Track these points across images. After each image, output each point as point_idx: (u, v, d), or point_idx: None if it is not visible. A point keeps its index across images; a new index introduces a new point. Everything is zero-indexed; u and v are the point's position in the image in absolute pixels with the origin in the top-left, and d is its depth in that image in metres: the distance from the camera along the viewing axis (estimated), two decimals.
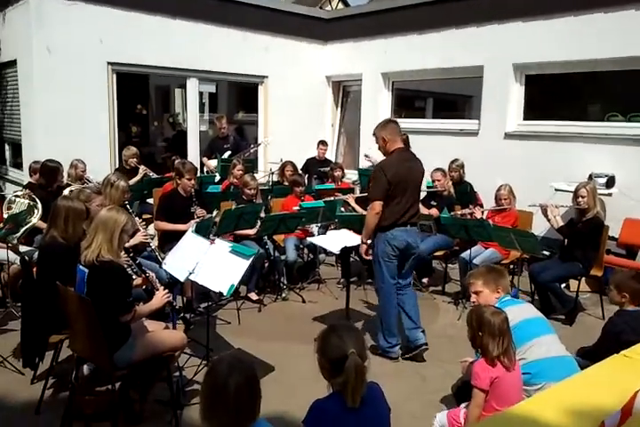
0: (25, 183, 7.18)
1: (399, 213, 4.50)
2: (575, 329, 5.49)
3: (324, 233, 6.25)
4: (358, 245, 5.20)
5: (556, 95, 8.34)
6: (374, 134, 4.72)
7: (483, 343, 2.99)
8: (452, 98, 10.41)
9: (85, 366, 3.86)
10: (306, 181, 8.35)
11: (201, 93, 10.04)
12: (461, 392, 3.50)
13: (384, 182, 4.42)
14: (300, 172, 8.69)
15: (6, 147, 9.87)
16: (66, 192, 5.88)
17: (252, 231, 5.93)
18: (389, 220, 4.51)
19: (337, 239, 5.22)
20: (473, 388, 2.99)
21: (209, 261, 3.93)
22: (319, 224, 6.56)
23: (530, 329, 3.44)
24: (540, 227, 6.88)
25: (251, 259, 3.86)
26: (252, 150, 9.05)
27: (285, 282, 6.41)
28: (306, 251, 7.06)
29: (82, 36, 7.95)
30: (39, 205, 5.40)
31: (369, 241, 4.69)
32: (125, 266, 3.71)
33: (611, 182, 6.88)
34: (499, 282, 3.58)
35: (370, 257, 4.78)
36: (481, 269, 3.85)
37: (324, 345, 2.33)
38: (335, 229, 6.48)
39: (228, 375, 1.98)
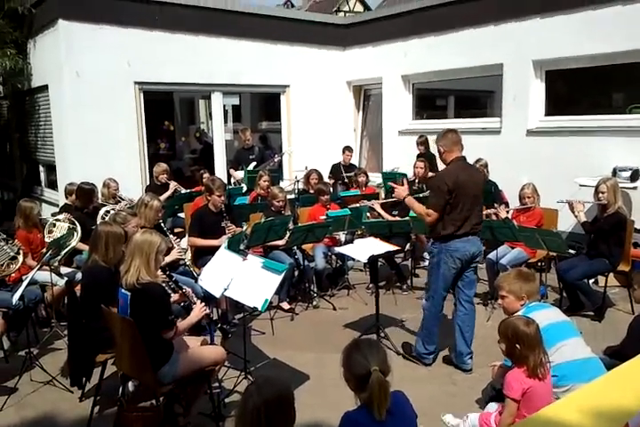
0: (60, 204, 7.46)
1: (460, 221, 4.44)
2: (605, 325, 5.54)
3: (352, 240, 6.37)
4: (386, 253, 5.35)
5: (576, 89, 8.34)
6: (436, 139, 4.75)
7: (522, 355, 3.06)
8: (474, 94, 10.44)
9: (131, 383, 4.08)
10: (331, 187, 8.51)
11: (224, 105, 10.27)
12: (493, 400, 3.60)
13: (444, 192, 4.38)
14: (327, 178, 8.85)
15: (41, 168, 10.25)
16: (101, 213, 6.16)
17: (281, 242, 6.09)
18: (449, 229, 4.44)
19: (364, 248, 5.32)
20: (505, 397, 3.09)
21: (242, 278, 4.08)
22: (346, 232, 6.70)
23: (556, 333, 3.51)
24: (566, 223, 6.93)
25: (282, 274, 4.01)
26: (276, 160, 9.22)
27: (316, 290, 6.57)
28: (334, 258, 7.20)
29: (109, 58, 8.28)
30: (78, 228, 5.66)
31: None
32: (163, 284, 3.89)
33: (635, 175, 6.86)
34: (524, 289, 3.65)
35: (400, 193, 4.82)
36: (510, 274, 3.88)
37: (349, 361, 2.46)
38: (362, 235, 6.61)
39: (249, 396, 2.14)
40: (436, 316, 4.69)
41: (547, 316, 3.60)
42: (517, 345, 3.07)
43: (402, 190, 4.85)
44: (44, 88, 8.99)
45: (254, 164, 8.90)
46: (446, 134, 4.61)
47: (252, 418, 2.09)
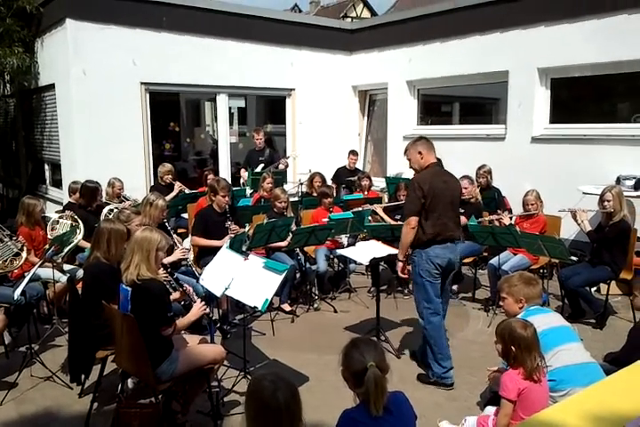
0: (64, 202, 7.49)
1: (438, 226, 4.38)
2: (606, 333, 5.53)
3: (354, 243, 6.38)
4: (387, 255, 5.35)
5: (581, 98, 8.36)
6: (406, 151, 4.64)
7: (518, 358, 3.07)
8: (479, 101, 10.45)
9: (130, 380, 4.09)
10: (334, 190, 8.51)
11: (230, 107, 10.30)
12: (491, 402, 3.60)
13: (419, 196, 4.33)
14: (331, 181, 8.85)
15: (46, 167, 10.27)
16: (105, 211, 6.18)
17: (283, 244, 6.10)
18: (429, 235, 4.38)
19: (366, 250, 5.34)
20: (501, 398, 3.10)
21: (243, 277, 4.10)
22: (348, 235, 6.71)
23: (554, 337, 3.50)
24: (569, 231, 6.92)
25: (283, 274, 4.02)
26: (283, 163, 9.18)
27: (317, 292, 6.57)
28: (336, 261, 7.20)
29: (115, 58, 8.30)
30: (81, 226, 5.68)
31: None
32: (164, 282, 3.90)
33: (639, 184, 6.86)
34: (522, 292, 3.65)
35: (406, 276, 4.70)
36: (512, 277, 3.86)
37: (346, 359, 2.50)
38: (364, 239, 6.62)
39: (276, 391, 2.11)
40: (439, 326, 4.52)
41: (546, 320, 3.59)
42: (513, 347, 3.09)
43: (400, 267, 4.66)
44: (51, 87, 9.02)
45: (262, 165, 8.91)
46: (421, 139, 4.59)
47: (288, 410, 2.09)
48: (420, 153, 4.51)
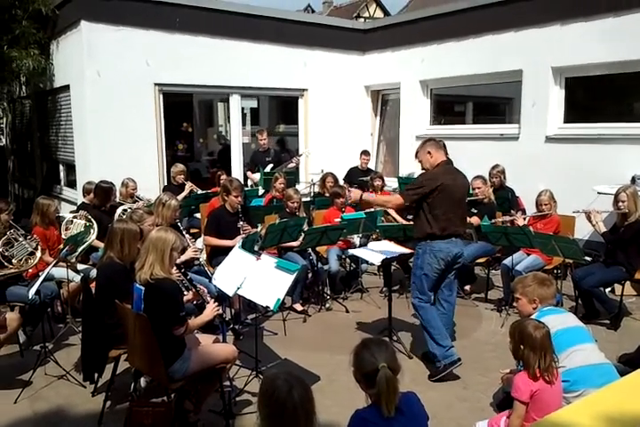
0: (79, 202, 7.54)
1: (445, 222, 4.56)
2: (620, 334, 5.47)
3: (366, 243, 6.37)
4: (400, 255, 5.35)
5: (596, 97, 8.29)
6: (417, 153, 4.87)
7: (524, 357, 3.08)
8: (492, 100, 10.40)
9: (142, 379, 4.11)
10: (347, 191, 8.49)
11: (243, 108, 10.33)
12: (503, 403, 3.59)
13: (423, 190, 4.54)
14: (343, 181, 8.85)
15: (61, 167, 10.36)
16: (119, 211, 6.22)
17: (295, 243, 6.11)
18: (434, 229, 4.57)
19: (378, 251, 5.31)
20: (514, 399, 3.08)
21: (255, 277, 4.11)
22: (360, 235, 6.70)
23: (569, 337, 3.48)
24: (583, 231, 6.86)
25: (295, 274, 4.02)
26: (294, 161, 9.19)
27: (329, 292, 6.56)
28: (348, 261, 7.20)
29: (129, 59, 8.37)
30: (95, 226, 5.72)
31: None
32: (177, 282, 3.92)
33: None
34: (536, 293, 3.64)
35: (357, 197, 4.96)
36: (526, 277, 3.86)
37: (358, 360, 2.49)
38: (377, 239, 6.61)
39: (290, 389, 2.11)
40: (431, 309, 4.73)
41: (560, 321, 3.57)
42: (521, 346, 3.10)
43: (355, 193, 5.02)
44: (66, 88, 9.11)
45: (271, 166, 8.93)
46: (429, 141, 4.86)
47: (303, 408, 2.10)
48: (429, 153, 4.74)
